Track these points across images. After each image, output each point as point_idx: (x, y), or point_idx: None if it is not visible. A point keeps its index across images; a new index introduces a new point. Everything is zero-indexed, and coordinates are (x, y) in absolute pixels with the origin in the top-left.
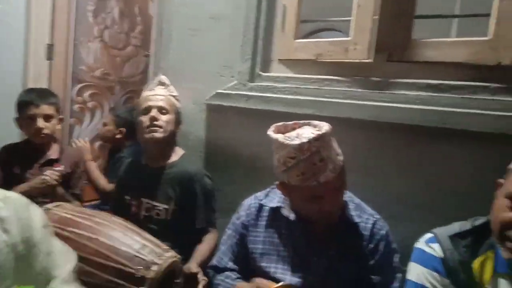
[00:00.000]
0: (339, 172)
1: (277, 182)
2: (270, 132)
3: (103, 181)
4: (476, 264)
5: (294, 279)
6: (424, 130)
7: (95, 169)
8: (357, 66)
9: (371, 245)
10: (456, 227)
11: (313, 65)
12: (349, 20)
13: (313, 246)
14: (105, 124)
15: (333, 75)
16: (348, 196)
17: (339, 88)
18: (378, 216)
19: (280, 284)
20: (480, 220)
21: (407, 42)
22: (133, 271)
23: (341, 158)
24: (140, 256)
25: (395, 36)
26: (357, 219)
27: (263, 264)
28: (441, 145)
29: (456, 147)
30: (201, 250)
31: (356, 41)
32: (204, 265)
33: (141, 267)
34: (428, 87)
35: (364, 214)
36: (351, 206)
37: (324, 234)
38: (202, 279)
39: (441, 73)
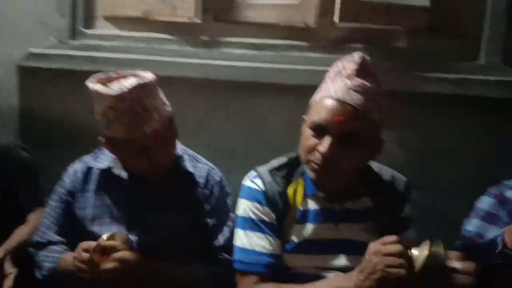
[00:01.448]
0: (167, 122)
1: (102, 140)
2: (89, 83)
3: None
4: (290, 190)
5: (133, 238)
6: (251, 86)
7: None
8: (187, 25)
9: (207, 191)
10: (275, 162)
11: (142, 23)
12: None
13: (149, 203)
14: None
15: (163, 33)
16: (181, 148)
17: (170, 47)
18: (212, 165)
19: (106, 235)
20: (293, 154)
21: (231, 3)
22: None
23: (168, 108)
24: None
25: None
26: (192, 170)
27: (95, 229)
28: (267, 99)
29: (275, 100)
30: (16, 234)
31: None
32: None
33: None
34: (251, 46)
35: (198, 164)
36: (185, 157)
37: (160, 188)
38: (9, 272)
39: (261, 32)
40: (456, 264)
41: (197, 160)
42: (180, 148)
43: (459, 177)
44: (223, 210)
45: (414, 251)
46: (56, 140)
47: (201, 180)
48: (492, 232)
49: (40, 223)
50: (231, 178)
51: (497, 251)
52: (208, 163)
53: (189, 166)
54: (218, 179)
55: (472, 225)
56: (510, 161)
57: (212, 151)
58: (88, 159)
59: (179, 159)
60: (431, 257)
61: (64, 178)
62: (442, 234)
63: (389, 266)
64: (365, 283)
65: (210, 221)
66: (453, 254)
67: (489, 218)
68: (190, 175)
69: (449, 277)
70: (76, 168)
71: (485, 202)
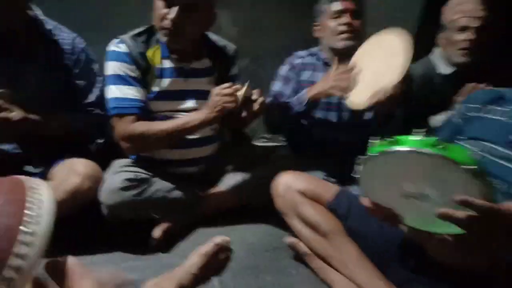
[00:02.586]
0: None
1: None
2: None
3: None
4: (149, 53)
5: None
6: None
7: None
8: None
9: (74, 57)
10: (135, 31)
11: None
12: None
13: (18, 67)
14: None
15: None
16: (43, 17)
17: None
18: (75, 34)
19: None
20: (149, 25)
21: None
22: None
23: None
24: None
25: None
26: (56, 36)
27: None
28: None
29: None
30: None
31: None
32: None
33: None
34: None
35: (62, 33)
36: (49, 23)
37: (27, 52)
38: None
39: None
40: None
41: (61, 29)
42: (42, 17)
43: (273, 48)
44: (90, 73)
45: (239, 92)
46: None
47: (67, 46)
48: (287, 90)
49: None
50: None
51: (304, 103)
52: (72, 32)
53: (53, 32)
54: (82, 46)
55: (276, 86)
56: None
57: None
58: None
59: (41, 23)
60: (246, 94)
61: None
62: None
63: (225, 102)
64: (211, 114)
65: (80, 82)
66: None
67: (285, 80)
68: (55, 42)
69: None
70: None
71: (283, 69)
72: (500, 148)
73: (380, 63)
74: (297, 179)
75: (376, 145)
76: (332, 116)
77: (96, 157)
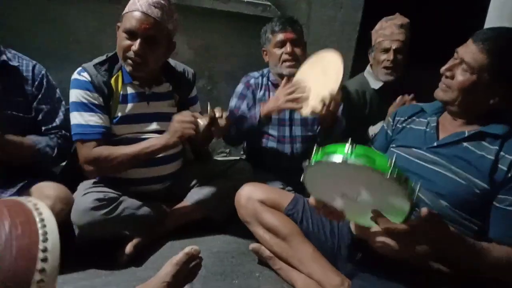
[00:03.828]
0: None
1: None
2: None
3: None
4: (112, 80)
5: None
6: None
7: None
8: None
9: (36, 83)
10: (96, 60)
11: None
12: None
13: None
14: None
15: None
16: (2, 48)
17: None
18: (35, 61)
19: None
20: (111, 53)
21: None
22: None
23: None
24: None
25: None
26: (16, 63)
27: None
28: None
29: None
30: None
31: None
32: None
33: None
34: None
35: (23, 60)
36: (8, 54)
37: None
38: None
39: None
40: None
41: (20, 57)
42: (3, 49)
43: (226, 69)
44: (54, 98)
45: (200, 120)
46: None
47: (27, 73)
48: (243, 105)
49: None
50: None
51: (257, 119)
52: (32, 60)
53: (14, 61)
54: (44, 72)
55: (233, 102)
56: (254, 60)
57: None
58: None
59: (1, 52)
60: (211, 121)
61: None
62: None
63: (185, 128)
64: (171, 139)
65: (43, 107)
66: None
67: (241, 97)
68: (15, 68)
69: None
70: None
71: (239, 87)
72: (423, 153)
73: (321, 76)
74: (257, 190)
75: (314, 155)
76: (285, 131)
77: (60, 179)
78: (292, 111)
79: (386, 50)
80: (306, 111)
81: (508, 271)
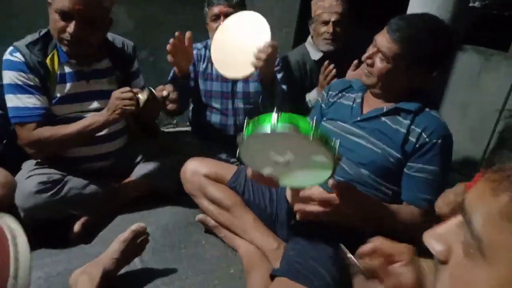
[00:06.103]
0: None
1: None
2: None
3: None
4: (48, 60)
5: None
6: None
7: None
8: None
9: None
10: (29, 38)
11: None
12: None
13: None
14: None
15: None
16: None
17: None
18: None
19: None
20: (44, 30)
21: None
22: None
23: None
24: None
25: None
26: None
27: None
28: None
29: None
30: None
31: None
32: None
33: None
34: None
35: None
36: None
37: None
38: None
39: None
40: None
41: None
42: None
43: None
44: None
45: (140, 95)
46: None
47: None
48: None
49: None
50: None
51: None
52: None
53: None
54: None
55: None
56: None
57: None
58: None
59: None
60: (149, 98)
61: None
62: (156, 81)
63: (124, 105)
64: (111, 116)
65: None
66: None
67: None
68: None
69: None
70: None
71: None
72: (349, 126)
73: (247, 34)
74: (202, 165)
75: (246, 128)
76: (228, 104)
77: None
78: (234, 83)
79: (326, 23)
80: (246, 70)
81: (412, 229)
